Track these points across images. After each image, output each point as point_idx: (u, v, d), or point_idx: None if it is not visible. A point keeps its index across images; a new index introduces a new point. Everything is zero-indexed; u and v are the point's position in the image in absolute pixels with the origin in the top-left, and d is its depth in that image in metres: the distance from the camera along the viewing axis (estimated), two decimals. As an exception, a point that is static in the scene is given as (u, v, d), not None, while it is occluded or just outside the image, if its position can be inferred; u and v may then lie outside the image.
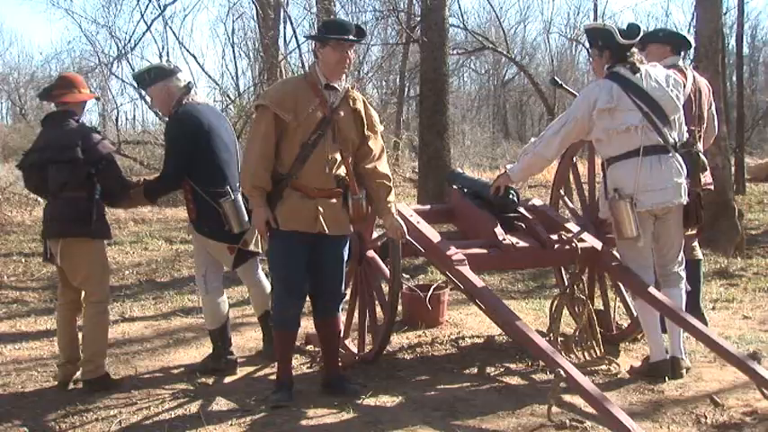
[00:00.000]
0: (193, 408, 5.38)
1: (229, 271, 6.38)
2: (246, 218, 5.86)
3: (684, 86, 6.26)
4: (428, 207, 6.93)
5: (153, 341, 7.22)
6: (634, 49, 5.77)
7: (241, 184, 5.57)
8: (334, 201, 5.42)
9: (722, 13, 15.18)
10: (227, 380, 6.05)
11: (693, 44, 8.11)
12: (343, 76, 5.50)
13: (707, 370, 5.92)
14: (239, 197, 5.88)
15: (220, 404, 5.44)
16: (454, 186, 6.88)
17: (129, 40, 20.52)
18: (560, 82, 7.67)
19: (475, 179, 7.20)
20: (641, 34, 5.85)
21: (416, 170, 18.08)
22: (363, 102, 5.61)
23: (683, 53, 6.89)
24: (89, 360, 5.84)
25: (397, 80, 32.34)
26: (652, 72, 5.77)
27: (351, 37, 5.39)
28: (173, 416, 5.26)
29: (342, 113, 5.42)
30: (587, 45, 6.60)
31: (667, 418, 5.00)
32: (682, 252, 6.00)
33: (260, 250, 6.12)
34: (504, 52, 25.75)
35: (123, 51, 20.46)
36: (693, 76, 6.63)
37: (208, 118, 6.04)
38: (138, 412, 5.35)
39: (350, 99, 5.50)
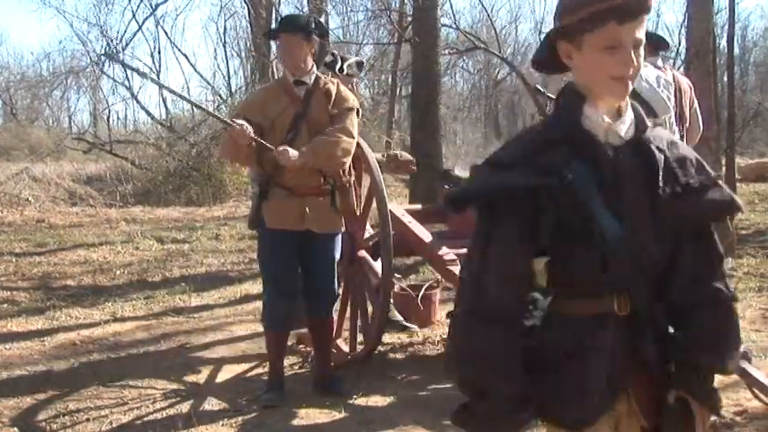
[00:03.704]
0: (184, 408, 5.38)
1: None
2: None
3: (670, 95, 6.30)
4: (420, 207, 6.95)
5: (144, 341, 7.20)
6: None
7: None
8: (321, 198, 5.41)
9: (714, 13, 15.20)
10: (219, 380, 6.04)
11: (675, 45, 8.15)
12: (311, 68, 5.47)
13: (698, 369, 5.92)
14: None
15: (212, 404, 5.44)
16: (446, 186, 6.89)
17: (121, 40, 20.53)
18: (542, 89, 7.72)
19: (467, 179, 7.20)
20: None
21: (408, 170, 18.06)
22: (337, 85, 5.56)
23: (660, 53, 6.93)
24: None
25: (389, 80, 32.32)
26: (643, 73, 5.78)
27: (290, 29, 5.40)
28: (164, 416, 5.26)
29: (314, 105, 5.41)
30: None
31: (659, 418, 5.00)
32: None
33: None
34: (496, 52, 25.77)
35: (115, 51, 20.43)
36: (674, 76, 6.65)
37: None
38: (130, 412, 5.34)
39: (321, 86, 5.46)
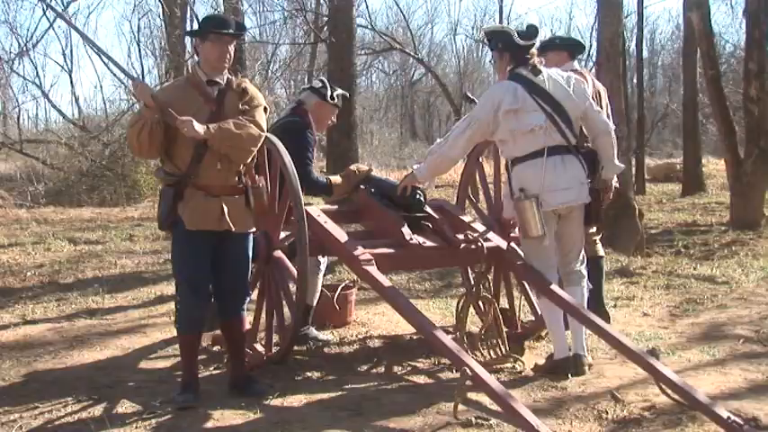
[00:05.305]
0: (97, 411, 5.30)
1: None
2: None
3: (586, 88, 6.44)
4: (336, 207, 6.96)
5: (56, 343, 7.07)
6: (534, 51, 5.88)
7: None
8: (237, 197, 5.41)
9: (623, 17, 15.52)
10: (132, 382, 5.98)
11: (587, 47, 8.38)
12: (225, 71, 5.48)
13: (608, 366, 6.06)
14: None
15: (125, 406, 5.37)
16: (362, 186, 6.91)
17: (31, 37, 20.13)
18: (472, 97, 7.81)
19: (382, 179, 7.25)
20: (538, 34, 5.97)
21: (324, 170, 18.11)
22: (247, 83, 5.58)
23: (578, 57, 7.11)
24: None
25: (306, 80, 32.31)
26: (554, 74, 5.89)
27: (230, 31, 5.42)
28: (76, 419, 5.18)
29: (228, 104, 5.40)
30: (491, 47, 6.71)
31: (570, 415, 5.10)
32: (583, 251, 6.13)
33: None
34: (412, 53, 25.97)
35: (25, 48, 20.06)
36: (592, 81, 6.81)
37: None
38: (41, 416, 5.24)
39: (234, 86, 5.47)
